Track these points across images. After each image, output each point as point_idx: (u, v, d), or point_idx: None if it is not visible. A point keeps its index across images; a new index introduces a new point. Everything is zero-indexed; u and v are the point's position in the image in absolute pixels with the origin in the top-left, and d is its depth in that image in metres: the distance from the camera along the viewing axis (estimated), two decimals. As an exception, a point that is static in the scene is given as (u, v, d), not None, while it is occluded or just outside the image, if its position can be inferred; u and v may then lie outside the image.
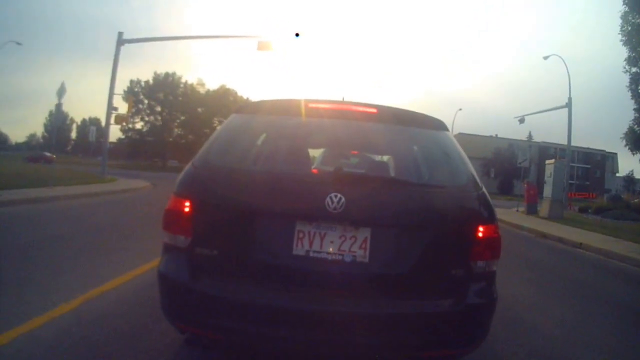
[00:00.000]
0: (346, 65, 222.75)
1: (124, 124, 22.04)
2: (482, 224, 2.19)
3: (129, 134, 60.41)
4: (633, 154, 18.27)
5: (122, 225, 8.09)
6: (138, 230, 7.43)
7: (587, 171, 77.58)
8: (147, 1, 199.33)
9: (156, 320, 3.04)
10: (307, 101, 2.68)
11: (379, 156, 4.28)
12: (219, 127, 2.89)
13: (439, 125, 2.77)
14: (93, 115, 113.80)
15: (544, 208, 17.32)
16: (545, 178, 17.72)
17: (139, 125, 60.04)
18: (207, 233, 2.17)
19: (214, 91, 60.28)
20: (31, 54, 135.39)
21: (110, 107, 20.83)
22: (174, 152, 65.27)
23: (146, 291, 3.84)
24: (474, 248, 2.15)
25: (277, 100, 2.83)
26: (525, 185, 19.47)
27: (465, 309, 2.10)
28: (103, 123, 22.99)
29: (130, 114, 21.58)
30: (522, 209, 20.08)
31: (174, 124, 60.62)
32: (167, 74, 60.30)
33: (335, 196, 2.04)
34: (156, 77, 60.11)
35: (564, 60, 27.61)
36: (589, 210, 20.59)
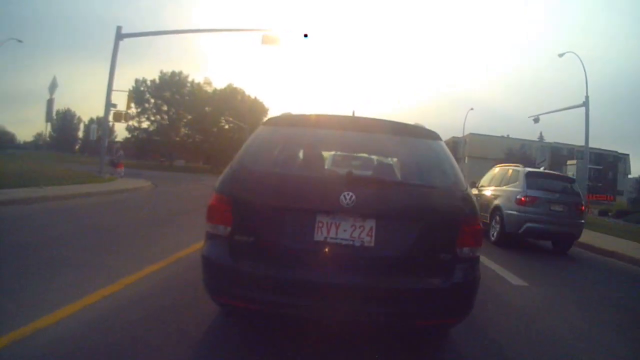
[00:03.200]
0: (355, 65, 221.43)
1: (124, 121, 21.12)
2: (466, 217, 2.76)
3: (135, 133, 60.01)
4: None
5: (104, 232, 6.80)
6: (119, 241, 6.22)
7: (600, 172, 75.89)
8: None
9: None
10: (322, 115, 3.39)
11: (385, 159, 4.79)
12: (250, 137, 3.35)
13: (434, 136, 3.38)
14: (101, 114, 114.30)
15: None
16: (567, 180, 16.66)
17: (145, 124, 59.74)
18: (244, 223, 2.68)
19: (220, 90, 59.60)
20: (37, 52, 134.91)
21: (109, 104, 20.08)
22: (181, 152, 64.85)
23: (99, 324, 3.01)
24: (459, 237, 2.69)
25: (297, 115, 3.46)
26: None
27: (452, 286, 2.64)
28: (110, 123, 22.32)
29: (129, 111, 20.51)
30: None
31: (180, 123, 59.90)
32: (173, 73, 59.89)
33: (348, 194, 2.61)
34: (162, 76, 59.68)
35: (580, 58, 26.44)
36: (609, 214, 19.56)
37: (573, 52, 26.82)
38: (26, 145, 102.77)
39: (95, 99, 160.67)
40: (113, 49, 20.70)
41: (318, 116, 3.42)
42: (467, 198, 2.88)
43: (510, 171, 10.24)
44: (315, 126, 3.43)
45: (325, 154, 4.64)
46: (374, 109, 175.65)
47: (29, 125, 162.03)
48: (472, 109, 60.94)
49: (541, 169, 11.55)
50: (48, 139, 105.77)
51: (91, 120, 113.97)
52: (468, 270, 2.75)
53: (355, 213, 2.63)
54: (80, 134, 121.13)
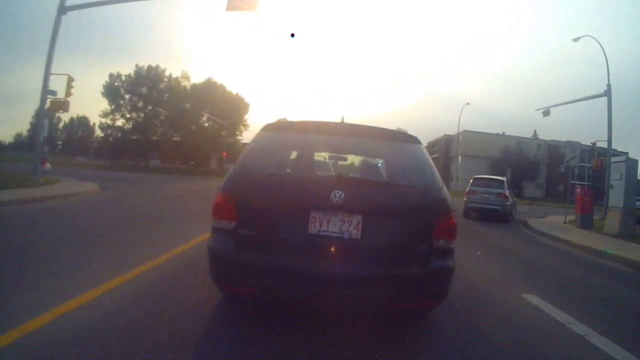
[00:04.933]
0: (344, 63, 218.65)
1: (63, 111, 17.37)
2: (441, 213, 3.17)
3: (109, 132, 55.98)
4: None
5: None
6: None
7: (599, 171, 73.21)
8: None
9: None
10: (314, 122, 3.93)
11: (371, 161, 4.81)
12: (251, 142, 3.81)
13: (414, 140, 3.81)
14: (82, 113, 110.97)
15: (610, 222, 12.94)
16: (612, 181, 13.33)
17: (119, 122, 55.52)
18: (246, 219, 3.08)
19: (199, 85, 55.55)
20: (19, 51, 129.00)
21: (45, 92, 16.38)
22: (158, 152, 60.90)
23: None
24: (435, 231, 3.08)
25: (292, 121, 3.97)
26: (579, 190, 14.94)
27: (428, 274, 3.06)
28: (91, 121, 18.60)
29: (68, 99, 16.68)
30: (570, 218, 15.84)
31: (157, 120, 55.73)
32: (150, 67, 55.61)
33: (338, 192, 3.01)
34: (138, 70, 55.39)
35: (599, 42, 23.58)
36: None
37: (591, 36, 24.21)
38: (11, 146, 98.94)
39: (76, 97, 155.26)
40: (54, 24, 17.10)
41: (311, 122, 3.94)
42: (442, 196, 3.27)
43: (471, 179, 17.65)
44: (308, 131, 3.89)
45: (318, 156, 5.15)
46: (364, 108, 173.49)
47: (6, 127, 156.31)
48: (468, 103, 57.66)
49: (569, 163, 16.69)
50: (26, 140, 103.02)
51: (72, 120, 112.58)
52: (443, 260, 3.14)
53: (344, 209, 3.02)
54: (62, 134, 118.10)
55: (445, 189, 3.36)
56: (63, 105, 17.08)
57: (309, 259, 2.99)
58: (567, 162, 16.28)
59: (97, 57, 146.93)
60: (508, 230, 13.45)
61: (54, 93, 17.30)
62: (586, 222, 14.23)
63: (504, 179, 17.73)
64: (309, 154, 4.28)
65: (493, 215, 15.70)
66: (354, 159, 5.84)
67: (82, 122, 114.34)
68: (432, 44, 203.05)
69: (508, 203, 15.89)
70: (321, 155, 6.03)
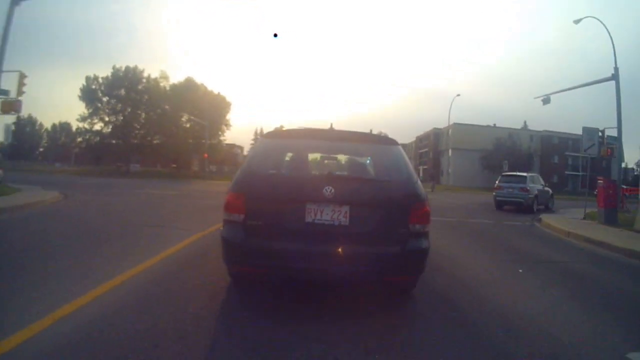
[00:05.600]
0: (330, 61, 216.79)
1: (15, 112, 15.37)
2: (416, 202, 3.81)
3: (87, 137, 53.48)
4: None
5: None
6: None
7: (593, 161, 71.97)
8: None
9: None
10: (308, 129, 5.06)
11: (358, 159, 5.29)
12: (253, 147, 5.02)
13: (393, 142, 4.61)
14: (64, 119, 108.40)
15: (642, 217, 11.28)
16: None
17: (97, 126, 53.02)
18: (254, 212, 3.71)
19: (179, 84, 53.19)
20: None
21: (-6, 92, 14.35)
22: (140, 155, 58.54)
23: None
24: (411, 217, 3.73)
25: (289, 129, 5.08)
26: (602, 182, 13.16)
27: (407, 253, 3.69)
28: (74, 127, 16.49)
29: (20, 98, 14.68)
30: (589, 211, 14.22)
31: (136, 123, 53.27)
32: (127, 68, 53.13)
33: (329, 188, 3.65)
34: (115, 71, 52.87)
35: (603, 23, 22.11)
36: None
37: (595, 17, 22.78)
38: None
39: (58, 105, 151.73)
40: (7, 15, 15.19)
41: (304, 130, 5.12)
42: (416, 188, 3.94)
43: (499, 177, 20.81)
44: (302, 137, 4.78)
45: (311, 157, 5.83)
46: (352, 107, 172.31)
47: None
48: (458, 95, 56.03)
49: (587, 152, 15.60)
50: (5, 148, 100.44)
51: (54, 127, 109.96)
52: (418, 241, 3.78)
53: (334, 201, 3.67)
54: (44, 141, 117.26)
55: (419, 182, 4.05)
56: (14, 106, 15.05)
57: (306, 243, 3.66)
58: (585, 150, 14.65)
59: (82, 62, 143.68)
60: (525, 231, 11.75)
61: (5, 93, 15.33)
62: (610, 218, 12.58)
63: (527, 175, 19.86)
64: (303, 156, 4.95)
65: (518, 207, 18.37)
66: (342, 158, 6.44)
67: (64, 128, 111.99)
68: (419, 40, 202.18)
69: (530, 196, 18.28)
70: (314, 157, 6.40)
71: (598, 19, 22.40)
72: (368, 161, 5.03)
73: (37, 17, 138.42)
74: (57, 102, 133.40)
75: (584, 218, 14.17)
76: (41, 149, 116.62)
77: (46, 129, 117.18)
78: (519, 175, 19.77)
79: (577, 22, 23.41)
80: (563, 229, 11.08)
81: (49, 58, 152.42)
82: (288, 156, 5.08)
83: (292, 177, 4.23)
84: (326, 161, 7.18)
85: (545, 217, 14.14)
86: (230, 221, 3.80)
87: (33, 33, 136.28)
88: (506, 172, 23.73)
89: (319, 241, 3.64)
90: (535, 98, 27.76)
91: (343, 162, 6.20)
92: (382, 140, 4.82)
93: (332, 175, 4.02)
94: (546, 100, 26.90)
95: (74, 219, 9.67)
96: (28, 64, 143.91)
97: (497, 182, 20.11)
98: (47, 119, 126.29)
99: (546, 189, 20.73)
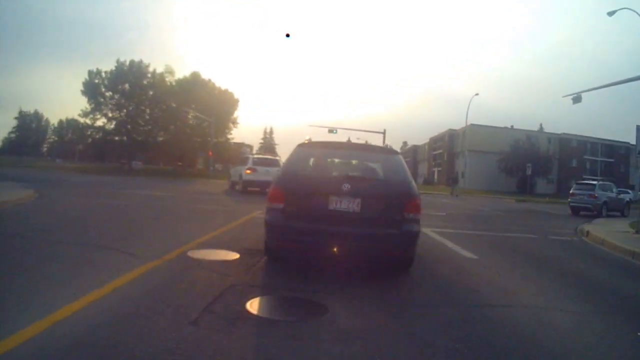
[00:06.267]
0: (345, 63, 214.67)
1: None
2: (410, 197, 5.05)
3: (89, 133, 51.86)
4: None
5: None
6: None
7: (611, 165, 69.02)
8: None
9: None
10: (332, 142, 7.40)
11: (369, 164, 6.54)
12: (291, 154, 5.82)
13: (395, 152, 6.33)
14: (70, 115, 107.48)
15: None
16: None
17: (100, 122, 51.34)
18: (291, 201, 4.95)
19: (185, 79, 51.26)
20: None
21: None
22: (144, 152, 56.85)
23: None
24: (405, 207, 4.94)
25: (318, 141, 6.55)
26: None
27: (402, 233, 4.88)
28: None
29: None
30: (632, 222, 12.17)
31: (140, 119, 51.47)
32: (132, 62, 51.38)
33: (346, 185, 4.84)
34: (119, 65, 51.12)
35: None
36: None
37: (630, 9, 21.20)
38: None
39: (63, 101, 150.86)
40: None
41: (329, 142, 7.15)
42: (410, 187, 5.24)
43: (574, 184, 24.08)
44: (327, 147, 6.49)
45: (333, 161, 7.13)
46: (366, 108, 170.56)
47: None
48: (477, 94, 53.44)
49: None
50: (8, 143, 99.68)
51: (61, 123, 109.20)
52: (411, 226, 4.99)
53: (350, 194, 4.87)
54: (51, 137, 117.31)
55: (413, 182, 5.39)
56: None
57: (329, 224, 4.86)
58: (639, 153, 12.34)
59: (91, 59, 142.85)
60: (580, 249, 9.58)
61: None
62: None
63: (596, 182, 22.61)
64: (327, 161, 6.63)
65: (590, 212, 20.15)
66: (355, 163, 7.29)
67: (71, 125, 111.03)
68: (433, 43, 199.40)
69: (598, 202, 20.61)
70: (335, 161, 7.56)
71: (634, 10, 20.72)
72: (375, 166, 6.23)
73: (45, 12, 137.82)
74: (65, 98, 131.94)
75: (637, 232, 11.71)
76: (46, 146, 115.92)
77: (53, 125, 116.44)
78: (589, 184, 22.61)
79: (611, 14, 22.11)
80: (624, 247, 8.92)
81: (58, 54, 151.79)
82: (316, 161, 6.40)
83: (319, 177, 5.67)
84: (342, 165, 8.04)
85: (592, 229, 11.90)
86: (272, 209, 5.06)
87: (40, 29, 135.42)
88: (583, 181, 25.86)
89: (338, 223, 4.88)
90: (564, 97, 26.01)
91: (356, 166, 6.95)
92: (386, 151, 6.86)
93: (348, 176, 5.22)
94: (577, 99, 25.01)
95: (9, 230, 7.53)
96: (35, 60, 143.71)
97: (571, 189, 22.53)
98: (55, 115, 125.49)
99: (620, 196, 23.45)
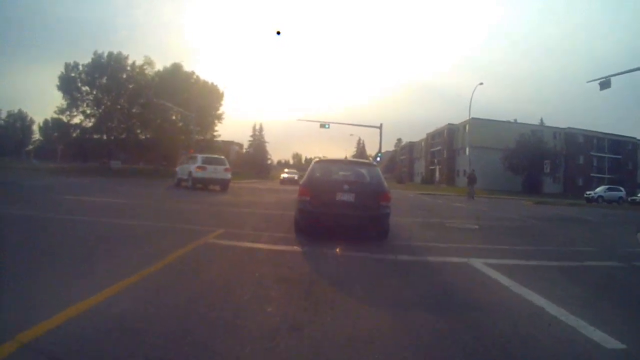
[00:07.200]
0: (339, 60, 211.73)
1: None
2: (382, 192, 7.88)
3: (65, 131, 48.42)
4: None
5: None
6: None
7: (618, 162, 65.63)
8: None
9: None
10: (338, 159, 11.34)
11: (360, 172, 9.22)
12: (311, 167, 8.69)
13: (374, 165, 9.77)
14: (56, 115, 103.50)
15: None
16: None
17: (77, 119, 47.98)
18: (313, 195, 7.67)
19: (165, 71, 47.82)
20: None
21: None
22: (126, 152, 53.33)
23: None
24: (380, 199, 7.73)
25: (329, 159, 10.84)
26: None
27: (379, 215, 7.67)
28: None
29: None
30: None
31: (121, 115, 48.04)
32: (110, 54, 47.94)
33: (346, 185, 7.78)
34: (96, 58, 47.68)
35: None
36: None
37: None
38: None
39: (48, 100, 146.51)
40: None
41: (335, 159, 11.02)
42: (383, 186, 8.01)
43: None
44: (334, 162, 9.90)
45: (338, 170, 9.26)
46: (357, 104, 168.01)
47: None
48: (481, 83, 50.02)
49: None
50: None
51: (46, 122, 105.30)
52: (385, 210, 7.65)
53: (349, 191, 7.53)
54: (36, 136, 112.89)
55: (385, 183, 8.25)
56: None
57: (337, 209, 7.47)
58: None
59: (81, 58, 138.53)
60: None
61: None
62: None
63: None
64: (334, 170, 8.93)
65: None
66: (351, 170, 9.52)
67: (56, 124, 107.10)
68: (428, 38, 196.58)
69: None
70: (339, 170, 9.45)
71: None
72: (364, 173, 8.86)
73: (31, 12, 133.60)
74: (50, 97, 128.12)
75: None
76: (31, 146, 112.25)
77: (38, 125, 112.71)
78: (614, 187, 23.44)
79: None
80: None
81: (47, 54, 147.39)
82: (327, 170, 8.89)
83: (329, 180, 8.28)
84: (343, 173, 9.76)
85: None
86: (302, 200, 7.65)
87: (28, 28, 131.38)
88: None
89: (342, 209, 7.48)
90: (588, 82, 23.13)
91: (351, 173, 9.17)
92: (369, 164, 9.78)
93: (347, 179, 8.12)
94: (605, 84, 22.11)
95: None
96: (24, 59, 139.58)
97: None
98: (41, 114, 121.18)
99: None
